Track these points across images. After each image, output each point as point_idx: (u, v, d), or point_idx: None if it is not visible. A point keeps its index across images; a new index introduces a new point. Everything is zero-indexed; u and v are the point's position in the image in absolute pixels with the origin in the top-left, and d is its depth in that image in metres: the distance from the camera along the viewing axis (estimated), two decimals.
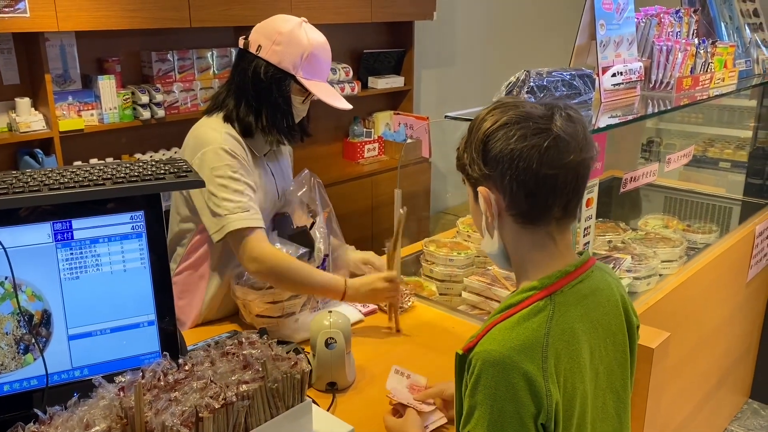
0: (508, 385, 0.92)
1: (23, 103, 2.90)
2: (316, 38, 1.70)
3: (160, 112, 3.25)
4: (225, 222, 1.61)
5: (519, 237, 1.03)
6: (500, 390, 0.93)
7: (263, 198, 1.76)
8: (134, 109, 3.20)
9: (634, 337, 1.13)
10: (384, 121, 4.42)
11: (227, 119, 1.71)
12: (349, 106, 1.75)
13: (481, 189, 1.02)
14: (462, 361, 1.00)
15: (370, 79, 4.26)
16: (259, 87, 1.69)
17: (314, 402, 1.34)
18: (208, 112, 1.76)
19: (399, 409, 1.40)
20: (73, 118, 3.01)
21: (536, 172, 0.96)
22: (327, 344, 1.47)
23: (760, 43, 2.94)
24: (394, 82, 4.34)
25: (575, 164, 0.98)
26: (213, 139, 1.66)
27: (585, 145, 1.00)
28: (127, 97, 3.16)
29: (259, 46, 1.67)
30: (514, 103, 1.03)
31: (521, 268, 1.06)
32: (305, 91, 1.71)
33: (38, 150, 2.94)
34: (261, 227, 1.65)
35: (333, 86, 3.77)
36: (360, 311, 1.86)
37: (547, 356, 0.95)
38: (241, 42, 1.72)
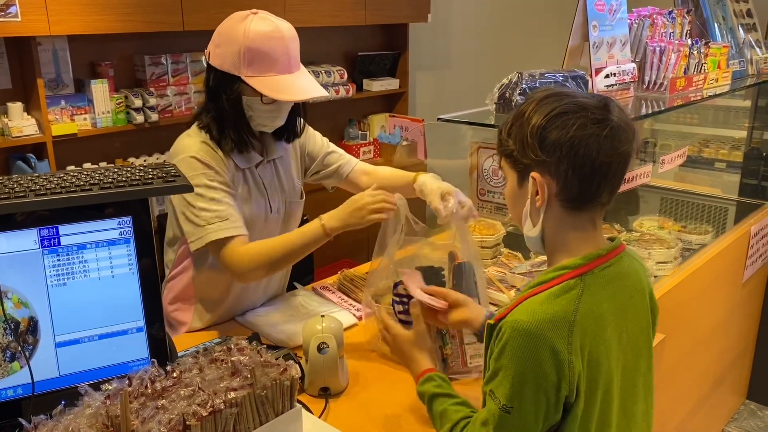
0: (533, 354, 0.98)
1: (15, 107, 2.88)
2: (258, 29, 1.51)
3: (154, 116, 3.24)
4: (204, 233, 1.56)
5: (562, 221, 1.07)
6: (525, 356, 0.98)
7: (249, 213, 1.68)
8: (128, 113, 3.19)
9: (656, 323, 1.19)
10: (379, 124, 4.42)
11: (202, 127, 1.65)
12: (318, 95, 1.56)
13: (534, 174, 1.04)
14: (492, 330, 1.06)
15: (364, 81, 4.26)
16: (212, 97, 1.62)
17: (306, 408, 1.33)
18: (194, 117, 1.70)
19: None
20: (66, 122, 3.00)
21: (594, 159, 1.00)
22: (319, 349, 1.45)
23: (753, 43, 2.93)
24: (389, 84, 4.33)
25: (627, 153, 1.04)
26: (186, 147, 1.61)
27: (635, 135, 1.06)
28: (120, 101, 3.14)
29: (209, 52, 1.61)
30: (567, 93, 1.06)
31: (559, 248, 1.09)
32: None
33: (31, 155, 2.93)
34: (242, 235, 1.59)
35: (324, 76, 3.72)
36: (354, 315, 1.85)
37: (573, 332, 0.99)
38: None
